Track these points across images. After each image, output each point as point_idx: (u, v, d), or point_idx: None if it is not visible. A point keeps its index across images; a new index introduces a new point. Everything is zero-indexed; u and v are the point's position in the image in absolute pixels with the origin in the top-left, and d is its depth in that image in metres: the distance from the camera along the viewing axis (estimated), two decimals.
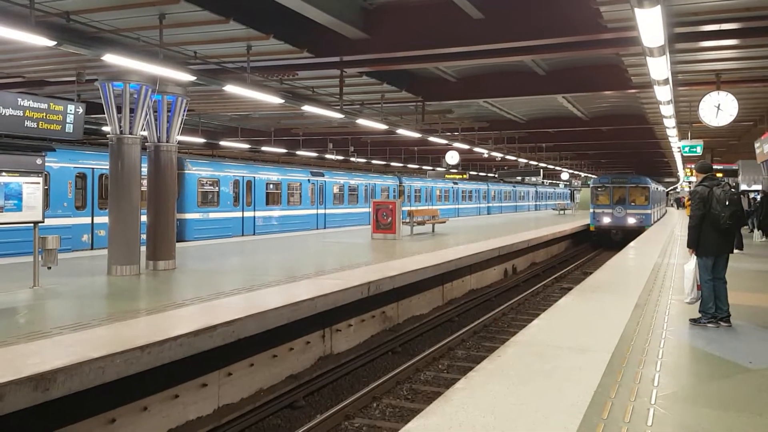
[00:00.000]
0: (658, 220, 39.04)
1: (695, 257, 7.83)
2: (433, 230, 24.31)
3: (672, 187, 77.95)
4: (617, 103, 21.47)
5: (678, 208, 65.98)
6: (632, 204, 31.11)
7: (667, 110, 14.78)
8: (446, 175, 41.98)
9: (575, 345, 6.64)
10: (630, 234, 28.13)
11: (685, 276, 7.92)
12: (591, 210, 31.88)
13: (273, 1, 9.64)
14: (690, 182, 37.97)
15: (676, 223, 34.70)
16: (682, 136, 21.92)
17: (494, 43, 11.32)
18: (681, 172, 41.56)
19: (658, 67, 9.87)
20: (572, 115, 23.28)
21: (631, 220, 30.83)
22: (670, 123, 17.31)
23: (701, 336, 7.29)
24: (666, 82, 11.23)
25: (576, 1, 10.32)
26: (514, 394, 4.99)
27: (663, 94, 12.45)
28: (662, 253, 16.89)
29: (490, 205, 51.27)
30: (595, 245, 31.37)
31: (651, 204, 31.90)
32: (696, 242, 7.79)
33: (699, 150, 20.91)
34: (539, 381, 5.36)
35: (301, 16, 10.34)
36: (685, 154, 22.20)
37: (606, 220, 31.20)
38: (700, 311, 7.91)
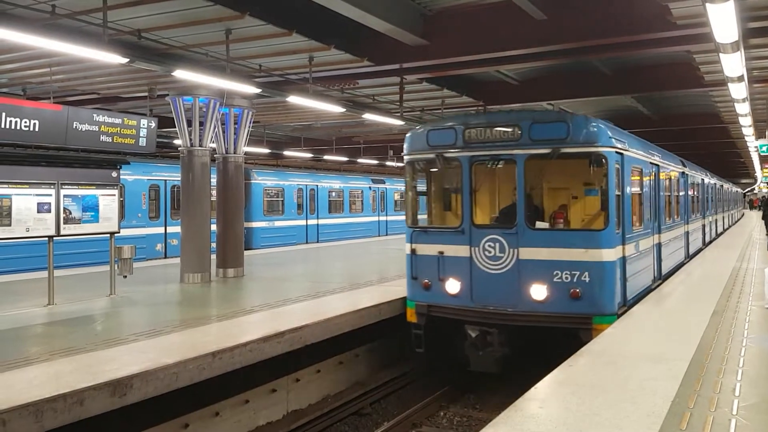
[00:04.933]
0: (708, 245, 20.31)
1: None
2: None
3: (749, 189, 74.55)
4: (688, 101, 20.69)
5: (751, 210, 63.08)
6: (554, 228, 8.95)
7: (742, 108, 14.15)
8: None
9: (650, 354, 6.40)
10: (532, 342, 8.83)
11: (765, 281, 7.55)
12: (409, 248, 9.41)
13: (333, 12, 9.74)
14: None
15: (754, 226, 33.13)
16: (759, 134, 20.94)
17: (558, 43, 11.10)
18: (759, 173, 39.65)
19: (732, 64, 9.46)
20: (641, 115, 22.56)
21: (536, 293, 8.34)
22: (745, 121, 16.57)
23: None
24: (741, 79, 10.75)
25: None
26: (587, 405, 4.85)
27: (738, 91, 11.93)
28: (740, 258, 16.16)
29: None
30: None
31: (631, 221, 9.35)
32: None
33: None
34: (612, 391, 5.19)
35: (361, 25, 10.42)
36: (762, 154, 21.21)
37: (452, 289, 8.90)
38: None
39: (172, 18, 10.39)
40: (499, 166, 9.48)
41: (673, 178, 13.60)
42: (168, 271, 13.42)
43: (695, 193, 17.74)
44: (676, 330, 7.58)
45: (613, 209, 8.39)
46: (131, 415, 6.00)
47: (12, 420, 4.80)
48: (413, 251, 9.27)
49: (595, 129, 8.49)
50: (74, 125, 10.33)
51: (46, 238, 9.41)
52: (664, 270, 12.02)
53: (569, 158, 8.62)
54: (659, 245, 11.52)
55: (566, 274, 8.18)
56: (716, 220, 24.05)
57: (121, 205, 16.17)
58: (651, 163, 11.17)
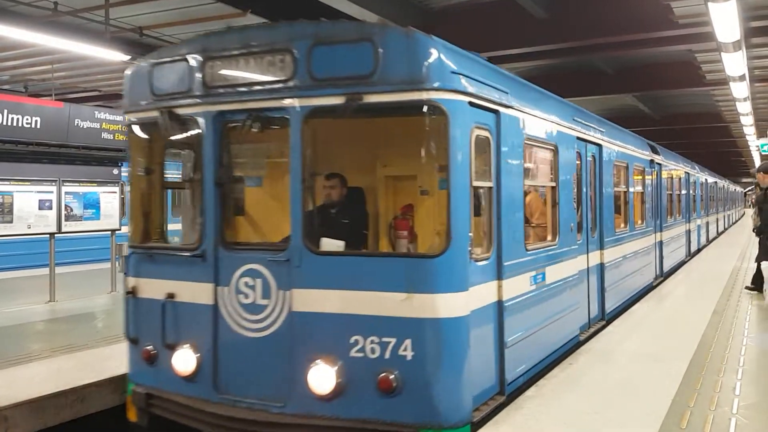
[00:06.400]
0: (695, 254, 16.68)
1: None
2: None
3: (749, 188, 74.69)
4: (690, 100, 20.71)
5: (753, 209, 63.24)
6: (353, 253, 4.57)
7: (743, 107, 14.18)
8: None
9: (650, 352, 6.40)
10: None
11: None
12: (127, 284, 5.15)
13: (332, 9, 9.76)
14: None
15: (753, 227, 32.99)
16: (761, 134, 20.95)
17: (559, 42, 11.12)
18: None
19: (734, 63, 9.50)
20: (643, 114, 22.60)
21: (318, 380, 4.17)
22: (747, 120, 16.62)
23: None
24: (742, 78, 10.79)
25: None
26: (587, 403, 4.85)
27: (739, 90, 11.96)
28: (741, 257, 16.15)
29: None
30: None
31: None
32: None
33: None
34: (613, 390, 5.19)
35: (359, 22, 10.45)
36: (764, 153, 21.22)
37: (183, 365, 4.63)
38: None
39: (174, 15, 10.41)
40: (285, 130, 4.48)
41: (633, 168, 9.69)
42: None
43: (676, 190, 13.79)
44: (677, 329, 7.59)
45: (463, 215, 4.28)
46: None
47: (14, 416, 4.81)
48: (133, 291, 5.04)
49: (425, 57, 4.16)
50: (76, 122, 10.35)
51: (48, 235, 9.41)
52: (611, 304, 8.21)
53: (381, 115, 4.56)
54: (601, 267, 7.79)
55: (373, 342, 4.15)
56: (708, 223, 20.00)
57: (123, 203, 16.19)
58: (581, 139, 6.98)
